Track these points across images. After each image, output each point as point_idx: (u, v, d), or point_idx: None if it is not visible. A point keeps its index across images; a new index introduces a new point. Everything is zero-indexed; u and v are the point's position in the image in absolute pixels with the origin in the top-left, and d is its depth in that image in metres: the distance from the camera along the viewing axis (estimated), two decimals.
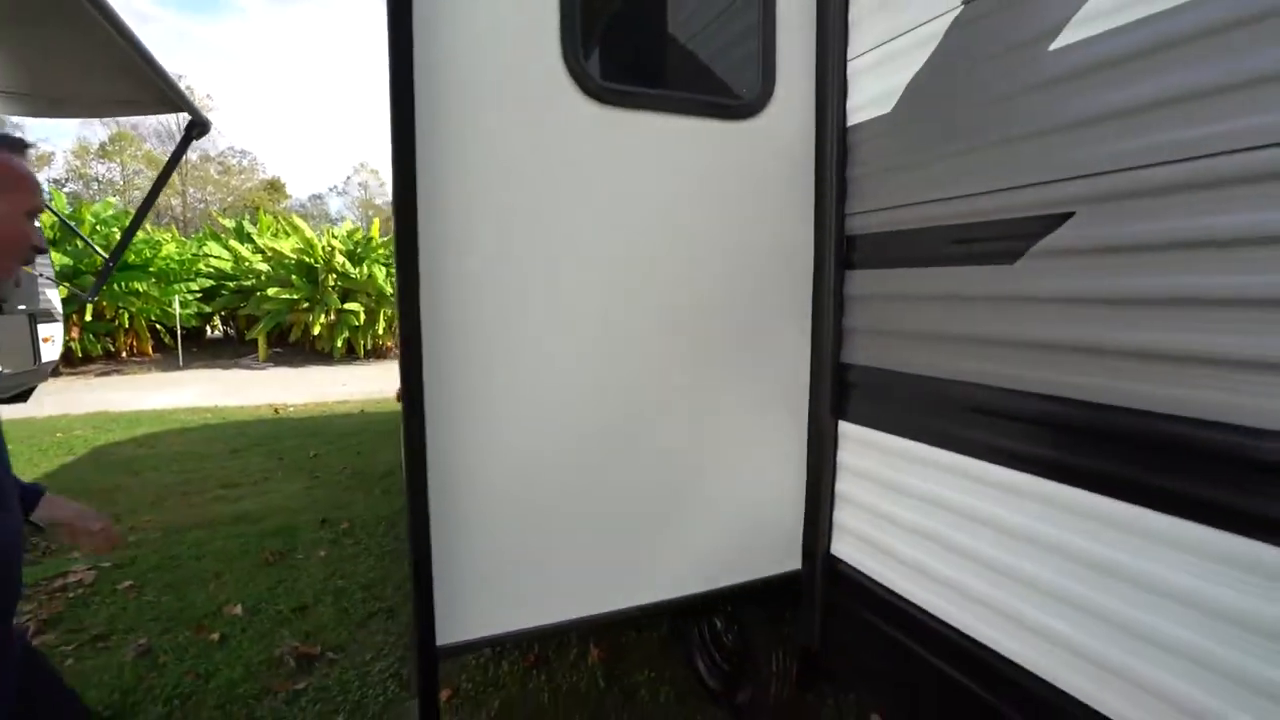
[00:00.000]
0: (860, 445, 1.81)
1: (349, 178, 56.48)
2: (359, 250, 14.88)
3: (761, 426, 1.91)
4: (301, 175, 74.37)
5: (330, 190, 55.82)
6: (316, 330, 13.58)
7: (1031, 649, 1.33)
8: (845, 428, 1.86)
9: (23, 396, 5.89)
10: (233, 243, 15.14)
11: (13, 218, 1.17)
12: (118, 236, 13.04)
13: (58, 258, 11.80)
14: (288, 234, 15.11)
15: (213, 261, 15.10)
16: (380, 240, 15.39)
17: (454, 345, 1.51)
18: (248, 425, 7.90)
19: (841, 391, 1.86)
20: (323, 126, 72.68)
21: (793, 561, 1.99)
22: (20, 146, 1.30)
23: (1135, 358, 1.12)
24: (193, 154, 47.55)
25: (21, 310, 5.51)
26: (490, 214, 1.49)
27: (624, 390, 1.71)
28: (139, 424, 7.87)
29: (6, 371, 5.26)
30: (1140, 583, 1.13)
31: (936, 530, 1.55)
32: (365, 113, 74.60)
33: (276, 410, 8.76)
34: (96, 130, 42.21)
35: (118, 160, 43.28)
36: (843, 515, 1.88)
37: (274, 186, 50.56)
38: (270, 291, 13.32)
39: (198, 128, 5.21)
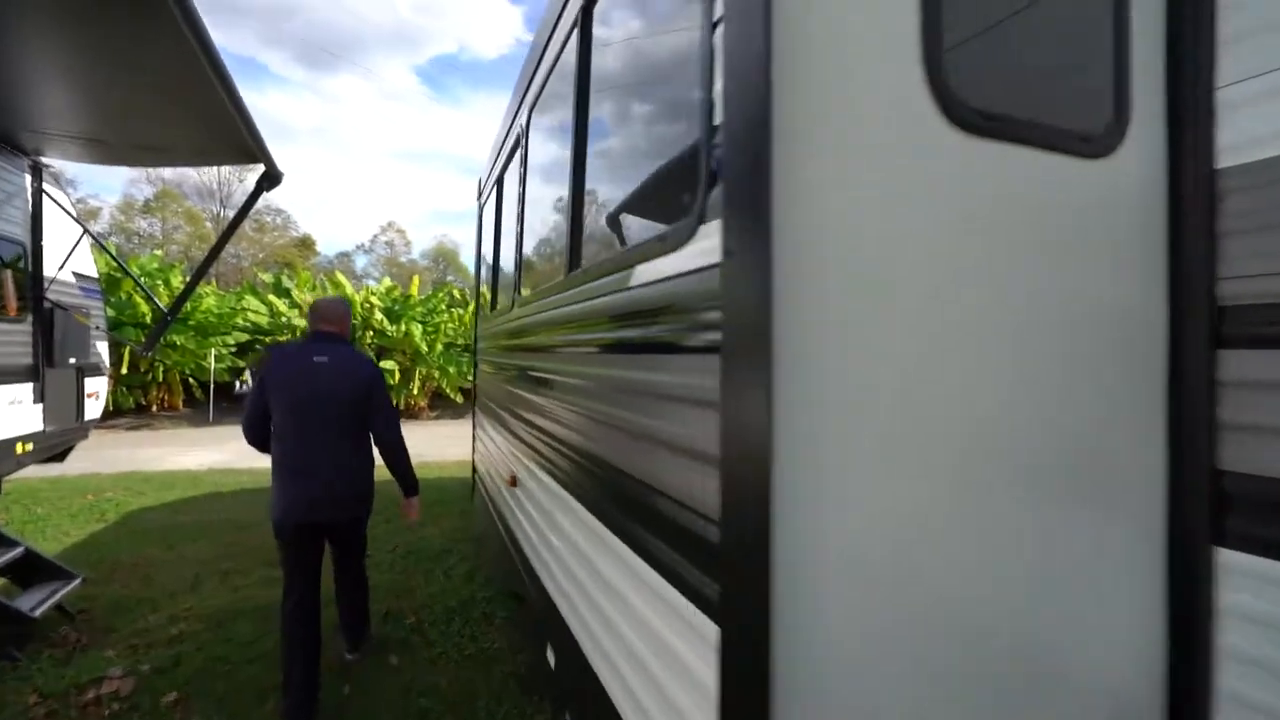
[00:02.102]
0: (1257, 583, 1.30)
1: (375, 236, 57.85)
2: (397, 308, 14.74)
3: (1094, 547, 1.39)
4: (330, 233, 76.57)
5: (357, 248, 56.99)
6: None
7: None
8: (1230, 558, 1.35)
9: (60, 456, 5.46)
10: (271, 297, 15.09)
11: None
12: (161, 289, 13.00)
13: None
14: (326, 290, 15.06)
15: (250, 315, 15.01)
16: (418, 298, 15.28)
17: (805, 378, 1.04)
18: None
19: (1221, 508, 1.36)
20: (352, 187, 75.42)
21: None
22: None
23: None
24: (230, 209, 49.24)
25: (71, 364, 5.16)
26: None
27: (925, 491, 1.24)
28: (172, 486, 7.42)
29: (51, 429, 4.85)
30: None
31: None
32: (394, 175, 77.55)
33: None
34: (142, 188, 43.94)
35: (159, 216, 44.83)
36: (1230, 679, 1.34)
37: (305, 244, 51.90)
38: None
39: (270, 180, 4.98)
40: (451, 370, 14.59)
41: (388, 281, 16.19)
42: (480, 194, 5.05)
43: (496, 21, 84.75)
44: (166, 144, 4.84)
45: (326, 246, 57.87)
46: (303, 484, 2.71)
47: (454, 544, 5.42)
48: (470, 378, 16.65)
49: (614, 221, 1.80)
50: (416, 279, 15.74)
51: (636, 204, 1.64)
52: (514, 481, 2.87)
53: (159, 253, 16.63)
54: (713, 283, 1.01)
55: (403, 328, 14.06)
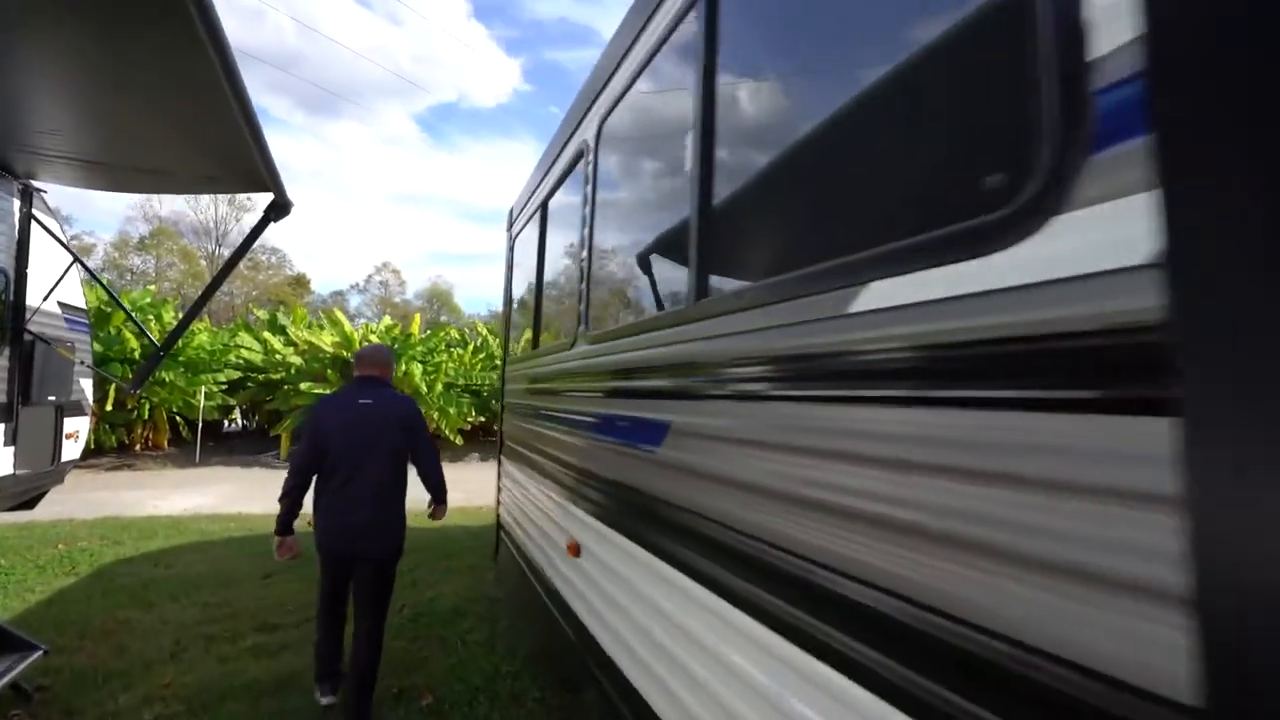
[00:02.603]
0: None
1: (370, 276, 57.81)
2: (396, 346, 14.31)
3: None
4: (325, 273, 76.59)
5: (351, 288, 56.75)
6: None
7: None
8: None
9: (31, 503, 4.93)
10: (265, 334, 14.65)
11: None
12: (153, 324, 12.55)
13: None
14: (321, 327, 14.65)
15: (243, 352, 14.53)
16: (419, 337, 14.88)
17: None
18: None
19: None
20: (348, 228, 75.85)
21: None
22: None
23: None
24: (226, 249, 49.03)
25: (50, 401, 4.69)
26: None
27: None
28: (153, 534, 6.82)
29: (22, 473, 4.35)
30: None
31: None
32: (390, 217, 78.28)
33: (309, 522, 7.69)
34: (138, 225, 43.93)
35: (154, 253, 44.57)
36: None
37: (299, 282, 51.66)
38: (303, 386, 12.59)
39: (278, 210, 4.62)
40: (451, 411, 14.09)
41: (388, 320, 15.80)
42: (512, 224, 4.69)
43: (495, 73, 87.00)
44: (172, 168, 4.48)
45: (321, 286, 57.58)
46: (344, 516, 2.96)
47: (467, 604, 4.90)
48: (469, 419, 16.12)
49: (782, 231, 1.40)
50: (417, 318, 15.36)
51: (828, 202, 1.24)
52: (576, 551, 2.42)
53: (151, 288, 16.21)
54: (1123, 300, 0.62)
55: (403, 367, 13.60)
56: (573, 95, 2.98)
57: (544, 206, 3.58)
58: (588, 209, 2.59)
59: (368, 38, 70.79)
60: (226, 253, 49.49)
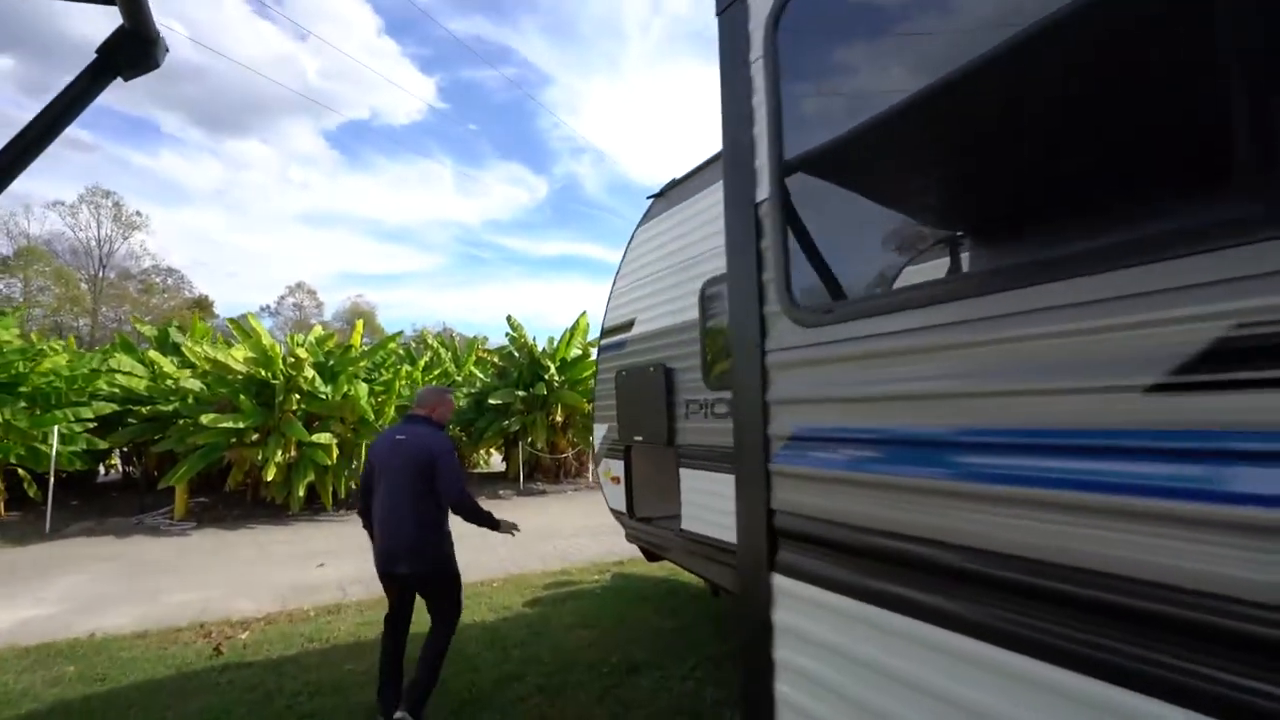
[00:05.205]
0: None
1: (283, 298, 52.58)
2: (332, 363, 11.08)
3: None
4: (230, 296, 69.52)
5: (261, 310, 51.13)
6: (271, 474, 9.36)
7: None
8: None
9: None
10: (152, 354, 11.07)
11: (449, 414, 3.54)
12: (19, 365, 9.10)
13: None
14: (229, 343, 11.21)
15: (119, 379, 10.89)
16: (361, 349, 11.68)
17: None
18: (157, 693, 3.76)
19: None
20: (255, 250, 69.43)
21: None
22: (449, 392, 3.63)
23: None
24: (111, 271, 42.64)
25: None
26: None
27: None
28: None
29: None
30: None
31: None
32: (299, 238, 72.71)
33: (216, 646, 4.56)
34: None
35: (21, 275, 38.29)
36: None
37: (201, 305, 45.89)
38: (205, 419, 9.20)
39: (134, 48, 1.76)
40: None
41: (319, 329, 12.47)
42: None
43: (409, 91, 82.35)
44: None
45: (226, 309, 51.56)
46: (384, 541, 3.20)
47: None
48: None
49: None
50: (359, 325, 12.12)
51: None
52: None
53: (7, 309, 12.22)
54: None
55: (342, 387, 10.41)
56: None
57: None
58: None
59: (271, 52, 64.99)
60: (112, 275, 43.27)
